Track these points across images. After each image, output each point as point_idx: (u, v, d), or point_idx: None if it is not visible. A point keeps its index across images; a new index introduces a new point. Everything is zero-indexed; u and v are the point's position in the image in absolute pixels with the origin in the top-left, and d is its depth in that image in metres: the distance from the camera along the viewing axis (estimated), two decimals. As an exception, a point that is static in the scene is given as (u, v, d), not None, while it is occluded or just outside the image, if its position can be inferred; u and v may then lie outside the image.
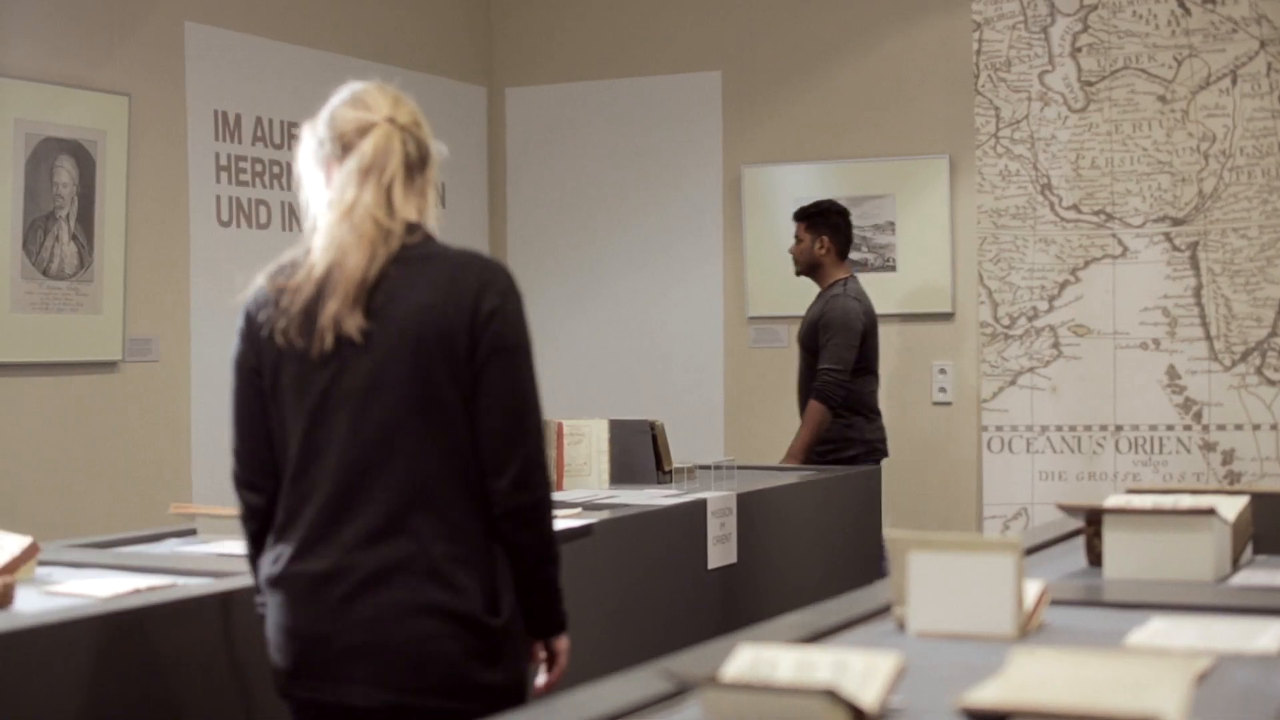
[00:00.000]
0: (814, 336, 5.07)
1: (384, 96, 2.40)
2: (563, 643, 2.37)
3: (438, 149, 2.42)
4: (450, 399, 2.23)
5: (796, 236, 5.25)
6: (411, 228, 2.28)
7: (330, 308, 2.21)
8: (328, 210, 2.28)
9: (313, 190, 2.33)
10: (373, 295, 2.23)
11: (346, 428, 2.23)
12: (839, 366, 4.97)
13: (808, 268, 5.24)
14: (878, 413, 5.11)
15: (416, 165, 2.35)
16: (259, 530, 2.32)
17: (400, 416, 2.22)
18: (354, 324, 2.21)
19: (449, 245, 2.32)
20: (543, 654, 2.37)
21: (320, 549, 2.22)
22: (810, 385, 5.02)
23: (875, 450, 5.04)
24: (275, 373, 2.27)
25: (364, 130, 2.32)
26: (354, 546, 2.21)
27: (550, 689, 2.34)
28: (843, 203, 5.80)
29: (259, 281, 2.31)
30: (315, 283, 2.24)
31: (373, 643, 2.20)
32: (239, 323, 2.32)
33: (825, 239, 5.18)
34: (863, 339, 5.04)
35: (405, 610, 2.19)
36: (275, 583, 2.25)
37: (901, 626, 2.02)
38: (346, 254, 2.23)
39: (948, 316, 5.76)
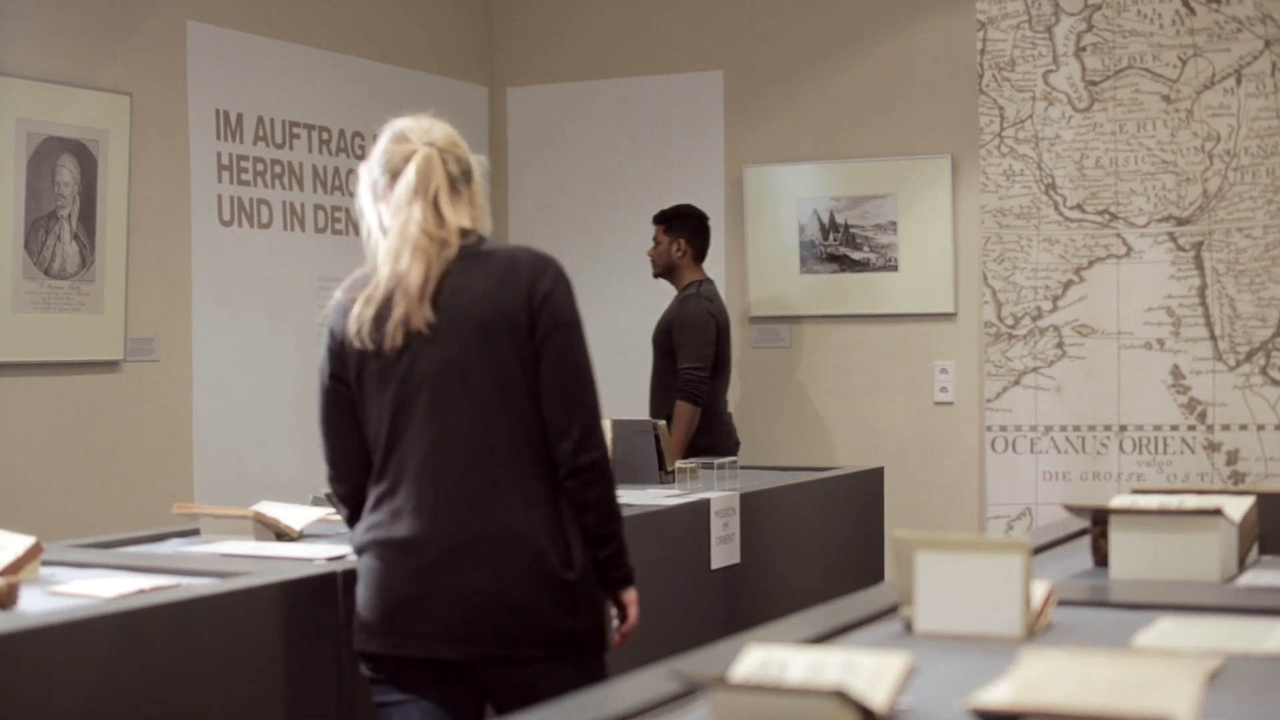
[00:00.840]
0: (668, 337, 5.23)
1: (420, 126, 2.67)
2: (631, 594, 2.65)
3: (479, 161, 2.70)
4: (515, 374, 2.53)
5: (655, 239, 5.46)
6: (465, 233, 2.58)
7: (399, 310, 2.51)
8: (390, 231, 2.57)
9: (373, 221, 2.63)
10: (437, 293, 2.52)
11: (426, 409, 2.52)
12: (699, 364, 5.14)
13: (664, 270, 5.41)
14: (717, 414, 5.23)
15: (460, 179, 2.63)
16: (351, 515, 2.63)
17: (473, 393, 2.52)
18: (421, 319, 2.51)
19: (501, 243, 2.64)
20: (613, 608, 2.65)
21: (409, 519, 2.51)
22: (664, 386, 5.18)
23: (720, 452, 5.14)
24: (359, 372, 2.56)
25: (407, 158, 2.61)
26: (441, 515, 2.49)
27: (625, 640, 2.68)
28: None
29: (336, 298, 2.62)
30: (384, 290, 2.54)
31: (461, 602, 2.47)
32: (324, 340, 2.61)
33: (682, 242, 5.35)
34: (715, 339, 5.19)
35: (490, 571, 2.47)
36: (365, 548, 2.54)
37: (908, 627, 2.02)
38: (405, 263, 2.53)
39: (949, 316, 5.76)
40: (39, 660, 2.16)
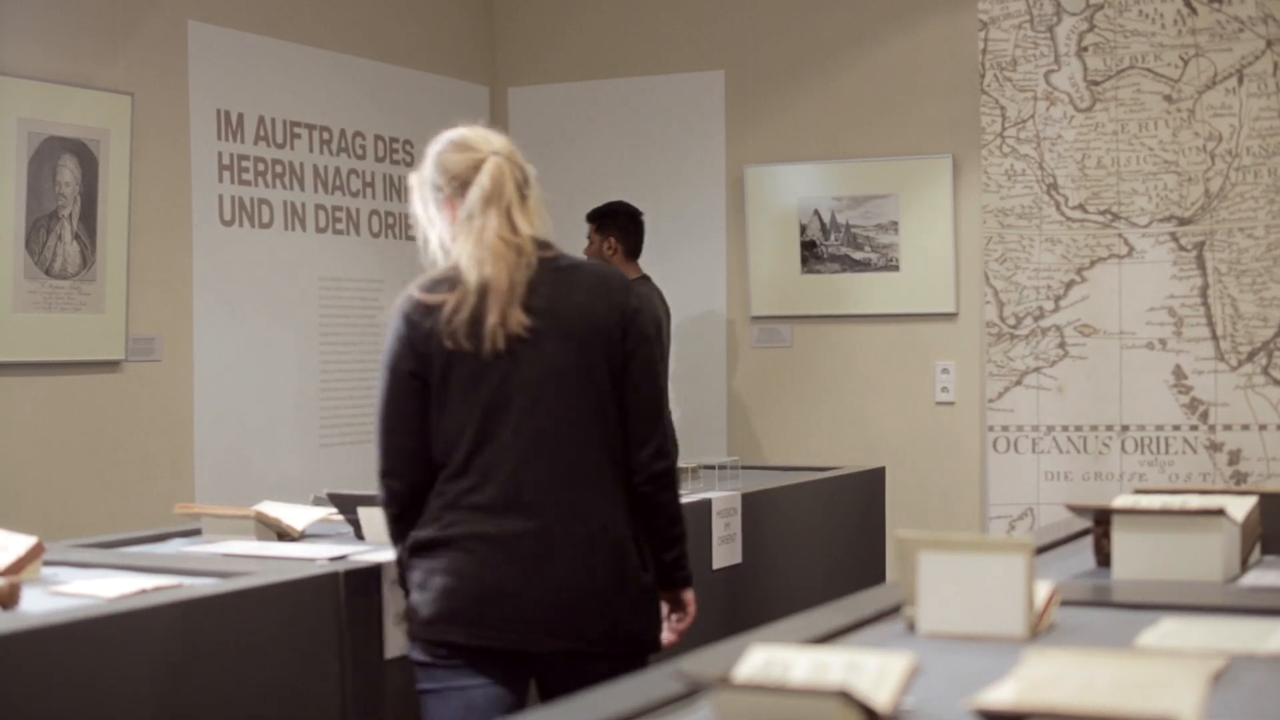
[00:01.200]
0: None
1: (479, 134, 2.75)
2: (690, 594, 2.77)
3: (530, 170, 2.78)
4: (604, 383, 2.65)
5: (588, 238, 5.43)
6: (541, 243, 2.68)
7: (494, 315, 2.59)
8: (464, 237, 2.64)
9: (440, 227, 2.71)
10: (532, 299, 2.62)
11: (522, 412, 2.60)
12: None
13: None
14: None
15: (524, 186, 2.72)
16: (400, 513, 2.65)
17: (569, 400, 2.62)
18: (518, 323, 2.59)
19: (576, 256, 2.79)
20: (668, 608, 2.76)
21: (505, 515, 2.58)
22: None
23: None
24: (445, 372, 2.61)
25: (476, 166, 2.69)
26: (539, 513, 2.59)
27: (681, 638, 2.77)
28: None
29: (411, 294, 2.66)
30: (474, 295, 2.60)
31: (555, 597, 2.57)
32: (399, 330, 2.64)
33: (613, 240, 5.40)
34: None
35: (584, 569, 2.59)
36: (447, 541, 2.59)
37: (911, 627, 2.01)
38: (490, 269, 2.60)
39: (951, 316, 5.76)
40: (41, 660, 2.16)
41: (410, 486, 2.63)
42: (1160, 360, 5.41)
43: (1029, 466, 5.58)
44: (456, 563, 2.58)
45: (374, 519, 3.07)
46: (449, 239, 2.67)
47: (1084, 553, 2.65)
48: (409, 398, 2.62)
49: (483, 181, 2.66)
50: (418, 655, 2.62)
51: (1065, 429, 5.54)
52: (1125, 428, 5.48)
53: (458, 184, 2.67)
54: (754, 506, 4.03)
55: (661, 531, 2.70)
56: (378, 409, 2.66)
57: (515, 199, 2.67)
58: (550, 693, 2.66)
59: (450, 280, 2.63)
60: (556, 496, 2.60)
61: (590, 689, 2.37)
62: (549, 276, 2.64)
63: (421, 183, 2.73)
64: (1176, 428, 5.41)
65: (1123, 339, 5.48)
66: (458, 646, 2.58)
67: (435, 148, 2.73)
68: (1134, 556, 2.42)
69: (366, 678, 2.74)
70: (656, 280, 5.54)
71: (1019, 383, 5.59)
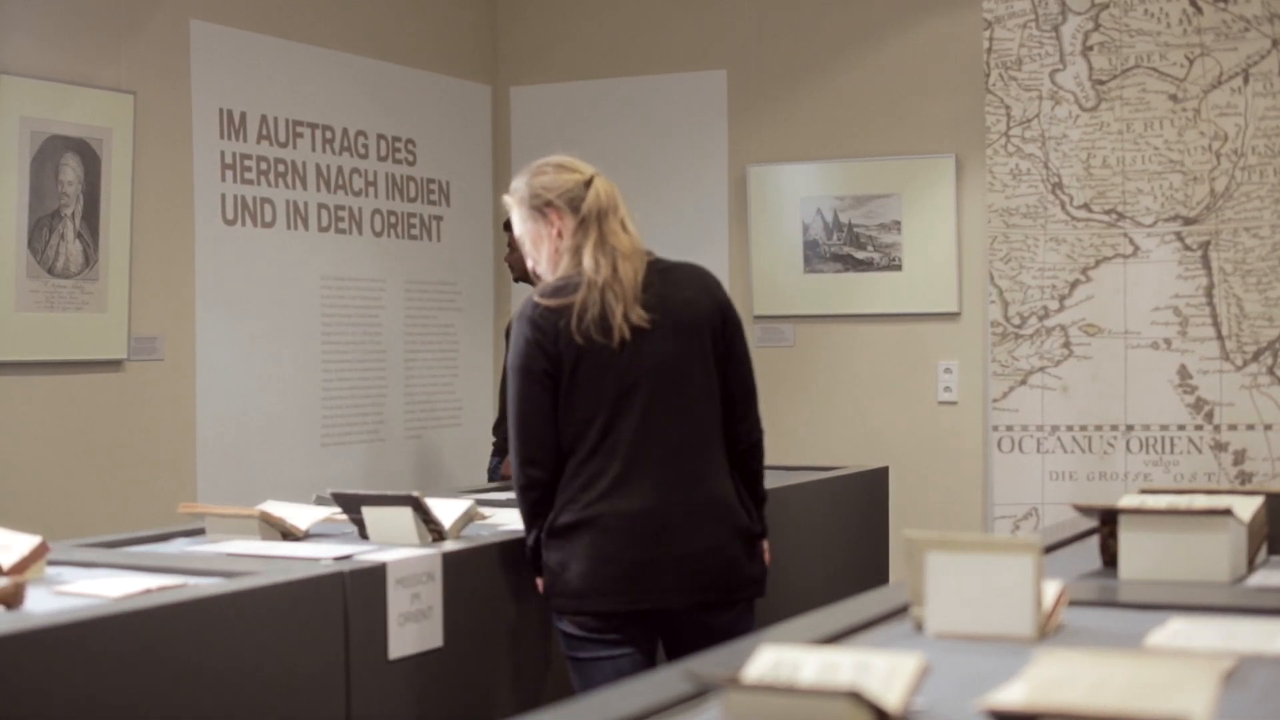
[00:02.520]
0: (507, 338, 5.25)
1: (573, 160, 3.24)
2: (767, 543, 3.18)
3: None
4: (710, 368, 3.05)
5: (510, 245, 5.39)
6: (643, 250, 3.09)
7: (618, 311, 2.96)
8: (586, 245, 3.03)
9: (547, 238, 3.10)
10: (646, 296, 2.99)
11: (647, 397, 2.98)
12: None
13: (523, 274, 5.40)
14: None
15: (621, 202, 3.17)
16: (541, 497, 3.00)
17: (683, 384, 3.01)
18: (639, 318, 2.97)
19: (669, 259, 3.17)
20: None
21: (638, 493, 2.95)
22: None
23: None
24: (575, 366, 2.97)
25: (585, 184, 3.13)
26: (666, 488, 2.97)
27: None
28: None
29: (535, 301, 3.01)
30: (599, 295, 2.98)
31: (688, 560, 2.97)
32: (527, 334, 2.99)
33: None
34: None
35: (709, 531, 2.99)
36: (585, 522, 2.95)
37: (919, 627, 2.01)
38: (611, 271, 2.99)
39: (953, 316, 5.75)
40: (46, 660, 2.16)
41: (549, 475, 2.99)
42: (1165, 360, 5.41)
43: (1033, 466, 5.57)
44: (599, 540, 2.94)
45: (378, 518, 3.06)
46: (563, 249, 3.05)
47: (1089, 553, 2.64)
48: (543, 394, 2.98)
49: (599, 196, 3.09)
50: (568, 628, 2.99)
51: (1070, 429, 5.54)
52: (1130, 427, 5.48)
53: (567, 200, 3.09)
54: (758, 506, 4.02)
55: (753, 492, 3.13)
56: (512, 407, 3.01)
57: (623, 211, 3.11)
58: (678, 649, 3.01)
59: (570, 285, 3.00)
60: (679, 468, 2.98)
61: (732, 633, 2.79)
62: (655, 277, 3.03)
63: (522, 200, 3.14)
64: (1181, 428, 5.40)
65: (1127, 339, 5.47)
66: (605, 615, 2.95)
67: (538, 173, 3.17)
68: (1140, 557, 2.41)
69: (371, 678, 2.74)
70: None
71: (1023, 382, 5.58)
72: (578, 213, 3.07)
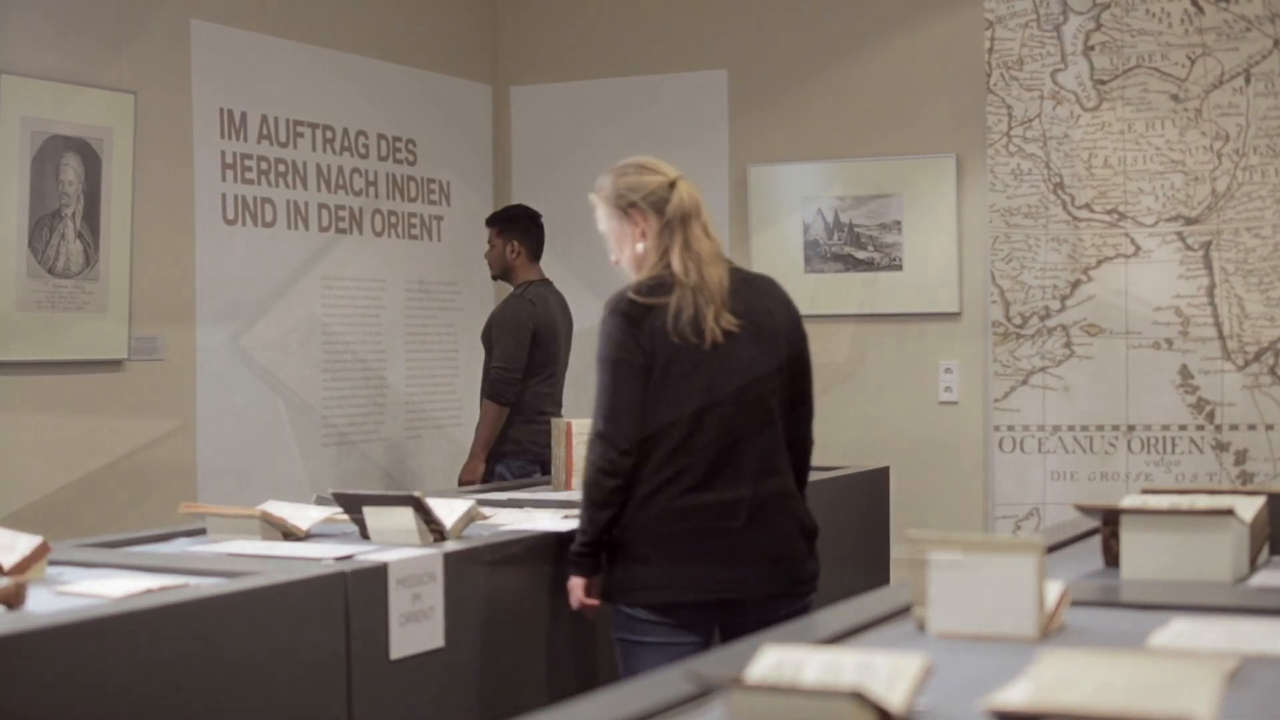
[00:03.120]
0: (489, 335, 5.33)
1: (656, 161, 3.33)
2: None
3: None
4: (783, 374, 3.17)
5: (489, 242, 5.49)
6: (723, 256, 3.21)
7: (711, 312, 3.07)
8: (672, 247, 3.12)
9: (630, 238, 3.19)
10: (732, 302, 3.10)
11: (734, 398, 3.08)
12: (507, 365, 5.22)
13: (501, 272, 5.49)
14: (532, 417, 5.25)
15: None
16: (621, 486, 3.08)
17: (765, 386, 3.12)
18: (729, 322, 3.08)
19: (746, 269, 3.33)
20: None
21: (726, 486, 3.07)
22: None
23: (525, 450, 5.22)
24: (667, 364, 3.06)
25: (670, 185, 3.22)
26: (745, 480, 3.09)
27: None
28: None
29: (628, 296, 3.10)
30: (692, 297, 3.08)
31: (767, 550, 3.10)
32: (623, 327, 3.07)
33: (515, 243, 5.43)
34: (534, 340, 5.24)
35: (782, 525, 3.14)
36: (680, 513, 3.05)
37: (922, 627, 2.01)
38: (702, 274, 3.09)
39: (954, 316, 5.75)
40: (47, 660, 2.15)
41: (631, 460, 3.07)
42: (1167, 360, 5.40)
43: (1035, 466, 5.57)
44: (687, 530, 3.05)
45: (379, 518, 3.06)
46: (650, 249, 3.14)
47: (1092, 553, 2.64)
48: (635, 386, 3.07)
49: (683, 199, 3.18)
50: (638, 613, 3.07)
51: (1071, 429, 5.54)
52: (1131, 427, 5.48)
53: (650, 201, 3.18)
54: (759, 506, 4.01)
55: (803, 490, 3.29)
56: (604, 397, 3.08)
57: (705, 216, 3.19)
58: (731, 636, 3.05)
59: (663, 285, 3.09)
60: (761, 466, 3.10)
61: (769, 628, 2.75)
62: (739, 285, 3.16)
63: (607, 199, 3.23)
64: (1183, 428, 5.40)
65: (1129, 339, 5.47)
66: (682, 605, 3.06)
67: (622, 173, 3.27)
68: (1143, 557, 2.41)
69: (372, 678, 2.74)
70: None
71: (1025, 382, 5.58)
72: (662, 214, 3.16)
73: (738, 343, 3.10)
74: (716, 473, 3.08)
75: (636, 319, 3.07)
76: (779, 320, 3.19)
